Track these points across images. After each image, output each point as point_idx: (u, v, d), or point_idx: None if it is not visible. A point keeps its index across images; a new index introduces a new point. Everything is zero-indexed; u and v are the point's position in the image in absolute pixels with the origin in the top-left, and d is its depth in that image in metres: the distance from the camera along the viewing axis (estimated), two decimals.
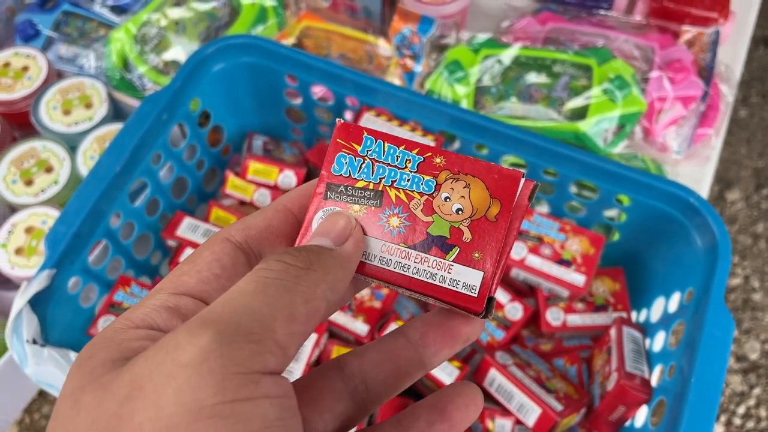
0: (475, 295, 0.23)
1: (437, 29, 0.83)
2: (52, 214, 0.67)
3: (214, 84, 0.67)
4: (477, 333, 0.25)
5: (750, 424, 1.42)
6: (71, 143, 0.72)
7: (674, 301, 0.58)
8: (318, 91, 0.70)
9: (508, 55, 0.80)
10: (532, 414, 0.55)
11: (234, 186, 0.68)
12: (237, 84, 0.68)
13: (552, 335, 0.64)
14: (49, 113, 0.73)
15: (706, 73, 0.82)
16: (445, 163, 0.24)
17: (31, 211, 0.67)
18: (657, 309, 0.61)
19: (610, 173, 0.58)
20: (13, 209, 0.70)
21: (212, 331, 0.17)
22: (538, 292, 0.64)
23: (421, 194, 0.24)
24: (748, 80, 1.88)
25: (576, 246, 0.62)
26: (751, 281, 1.59)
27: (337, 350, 0.59)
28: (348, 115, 0.70)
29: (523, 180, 0.24)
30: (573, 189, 0.64)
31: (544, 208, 0.69)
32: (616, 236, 0.67)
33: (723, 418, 1.42)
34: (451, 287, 0.23)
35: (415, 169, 0.24)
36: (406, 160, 0.25)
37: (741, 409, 1.43)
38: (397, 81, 0.81)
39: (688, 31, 0.83)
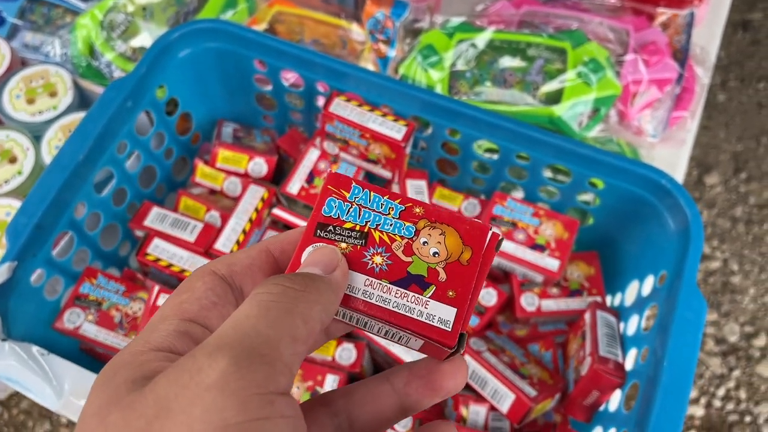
0: (449, 330, 0.25)
1: (411, 13, 0.82)
2: (16, 205, 0.65)
3: (181, 70, 0.65)
4: (459, 387, 0.26)
5: (730, 406, 1.44)
6: (35, 133, 0.70)
7: (647, 285, 0.58)
8: (290, 77, 0.69)
9: (482, 39, 0.79)
10: (505, 400, 0.55)
11: (203, 174, 0.67)
12: (205, 70, 0.67)
13: (527, 321, 0.63)
14: (12, 102, 0.71)
15: (681, 55, 0.81)
16: (424, 213, 0.27)
17: None
18: (631, 292, 0.61)
19: (582, 157, 0.58)
20: None
21: (229, 354, 0.19)
22: (513, 277, 0.63)
23: (402, 237, 0.27)
24: (726, 64, 1.88)
25: (550, 231, 0.62)
26: (730, 264, 1.61)
27: None
28: (320, 101, 0.68)
29: (491, 232, 0.27)
30: (547, 173, 0.64)
31: (518, 193, 0.69)
32: (590, 220, 0.66)
33: (703, 401, 1.44)
34: (427, 321, 0.25)
35: (397, 216, 0.27)
36: (390, 207, 0.27)
37: (721, 392, 1.45)
38: (370, 66, 0.80)
39: (663, 13, 0.83)
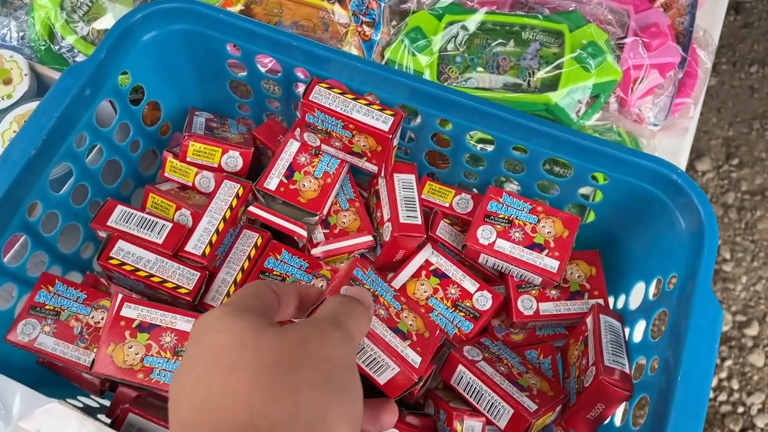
0: (417, 366, 0.42)
1: None
2: None
3: (146, 55, 0.59)
4: (391, 424, 0.40)
5: (722, 397, 1.41)
6: None
7: (655, 288, 0.53)
8: (267, 62, 0.63)
9: (473, 21, 0.74)
10: (503, 415, 0.51)
11: (173, 169, 0.61)
12: (172, 55, 0.61)
13: (524, 325, 0.59)
14: None
15: (684, 38, 0.77)
16: (406, 301, 0.47)
17: None
18: (636, 295, 0.57)
19: (585, 149, 0.53)
20: None
21: (340, 329, 0.34)
22: (509, 278, 0.59)
23: (394, 308, 0.45)
24: (718, 48, 1.84)
25: (549, 228, 0.57)
26: (722, 252, 1.58)
27: None
28: (299, 88, 0.63)
29: (438, 332, 0.47)
30: (545, 167, 0.59)
31: (512, 186, 0.64)
32: (590, 217, 0.62)
33: None
34: (405, 358, 0.42)
35: (392, 296, 0.46)
36: (388, 290, 0.46)
37: (713, 382, 1.42)
38: (354, 50, 0.74)
39: None
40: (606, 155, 0.53)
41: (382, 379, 0.41)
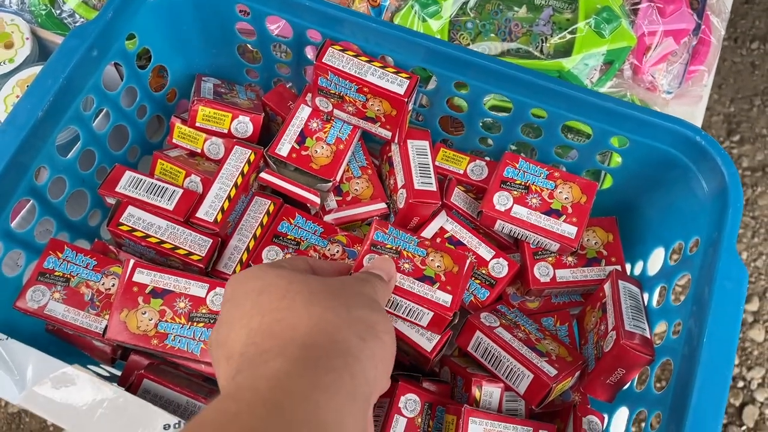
0: (448, 305, 0.48)
1: None
2: None
3: (153, 17, 0.58)
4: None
5: None
6: None
7: (676, 252, 0.53)
8: (275, 26, 0.61)
9: None
10: (523, 380, 0.50)
11: (181, 135, 0.60)
12: (180, 17, 0.60)
13: (540, 292, 0.58)
14: None
15: (698, 4, 0.75)
16: (431, 244, 0.50)
17: None
18: (655, 261, 0.56)
19: (606, 110, 0.52)
20: None
21: (370, 285, 0.41)
22: (525, 245, 0.58)
23: (419, 256, 0.49)
24: None
25: (566, 194, 0.56)
26: None
27: None
28: (310, 52, 0.62)
29: (468, 261, 0.50)
30: (562, 133, 0.58)
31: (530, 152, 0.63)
32: (607, 182, 0.61)
33: None
34: (436, 301, 0.48)
35: (416, 244, 0.50)
36: (410, 240, 0.50)
37: None
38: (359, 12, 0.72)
39: None
40: (627, 117, 0.52)
41: (423, 322, 0.49)
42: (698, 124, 0.77)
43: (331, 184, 0.58)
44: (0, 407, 1.32)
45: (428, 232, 0.58)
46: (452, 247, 0.57)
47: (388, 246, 0.49)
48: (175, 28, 0.60)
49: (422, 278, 0.48)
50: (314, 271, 0.41)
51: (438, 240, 0.58)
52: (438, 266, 0.49)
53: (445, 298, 0.48)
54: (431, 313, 0.48)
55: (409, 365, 0.56)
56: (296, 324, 0.33)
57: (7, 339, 0.43)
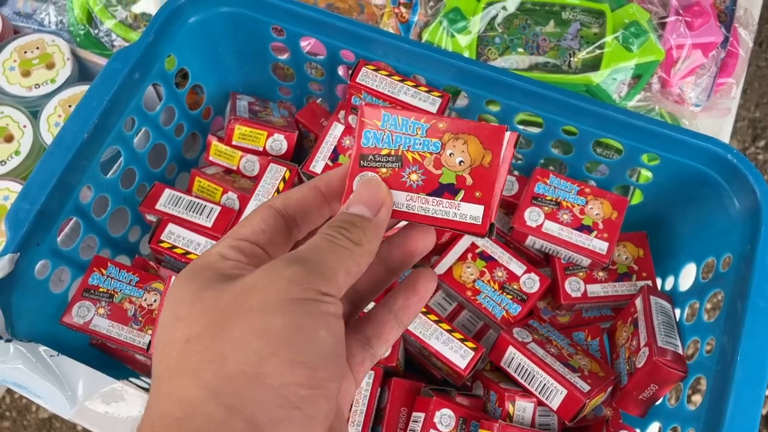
0: (479, 223, 0.31)
1: None
2: (15, 188, 0.60)
3: (191, 38, 0.59)
4: (429, 246, 0.34)
5: None
6: (32, 108, 0.64)
7: (708, 269, 0.53)
8: (306, 44, 0.63)
9: (513, 1, 0.73)
10: (556, 395, 0.51)
11: (218, 153, 0.61)
12: (216, 38, 0.61)
13: (571, 307, 0.59)
14: (6, 75, 0.66)
15: (726, 17, 0.76)
16: (447, 126, 0.31)
17: None
18: (686, 276, 0.56)
19: (638, 129, 0.53)
20: None
21: (301, 265, 0.27)
22: (556, 260, 0.59)
23: (431, 153, 0.31)
24: None
25: (597, 210, 0.57)
26: None
27: None
28: (341, 70, 0.63)
29: (508, 133, 0.31)
30: (592, 149, 0.59)
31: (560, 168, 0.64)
32: (637, 198, 0.61)
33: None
34: (461, 220, 0.31)
35: (425, 134, 0.31)
36: (417, 128, 0.31)
37: None
38: (391, 32, 0.74)
39: None
40: (659, 135, 0.52)
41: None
42: (727, 135, 0.78)
43: None
44: (31, 412, 1.34)
45: (460, 247, 0.59)
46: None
47: (385, 152, 0.32)
48: (211, 49, 0.62)
49: (439, 190, 0.32)
50: (295, 227, 0.31)
51: (469, 256, 0.59)
52: (460, 162, 0.32)
53: (473, 212, 0.31)
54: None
55: (441, 379, 0.57)
56: (151, 410, 0.26)
57: (58, 355, 0.45)
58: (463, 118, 0.32)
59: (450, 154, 0.31)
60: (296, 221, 0.30)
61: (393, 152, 0.31)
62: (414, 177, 0.31)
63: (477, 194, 0.31)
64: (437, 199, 0.31)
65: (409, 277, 0.33)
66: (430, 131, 0.31)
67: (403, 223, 0.33)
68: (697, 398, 0.48)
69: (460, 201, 0.31)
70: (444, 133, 0.31)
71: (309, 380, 0.25)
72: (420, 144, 0.31)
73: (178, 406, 0.25)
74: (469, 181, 0.31)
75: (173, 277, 0.51)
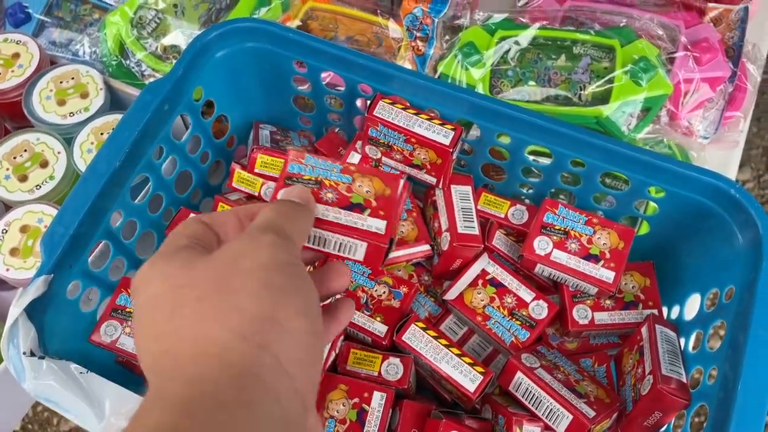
0: (383, 233, 0.41)
1: (450, 9, 0.78)
2: (49, 211, 0.63)
3: (218, 71, 0.62)
4: (344, 286, 0.40)
5: None
6: (66, 135, 0.68)
7: (711, 299, 0.55)
8: (326, 75, 0.66)
9: (525, 37, 0.76)
10: (562, 420, 0.52)
11: (240, 180, 0.64)
12: (241, 71, 0.64)
13: (579, 334, 0.61)
14: (42, 103, 0.69)
15: (734, 52, 0.78)
16: (356, 169, 0.43)
17: (26, 208, 0.63)
18: (691, 306, 0.58)
19: (643, 163, 0.55)
20: (6, 207, 0.66)
21: (272, 232, 0.33)
22: (564, 288, 0.61)
23: (344, 183, 0.42)
24: None
25: (604, 240, 0.59)
26: None
27: (353, 353, 0.56)
28: (360, 102, 0.66)
29: (402, 181, 0.43)
30: (600, 179, 0.61)
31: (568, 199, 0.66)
32: (644, 228, 0.63)
33: None
34: (368, 230, 0.40)
35: (339, 171, 0.43)
36: (332, 167, 0.43)
37: None
38: (408, 65, 0.77)
39: (715, 8, 0.79)
40: (664, 170, 0.54)
41: (358, 256, 0.41)
42: (735, 167, 0.79)
43: None
44: (52, 425, 1.37)
45: (471, 273, 0.61)
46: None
47: (306, 177, 0.41)
48: (236, 81, 0.65)
49: (350, 207, 0.40)
50: (241, 221, 0.37)
51: (480, 282, 0.61)
52: (367, 191, 0.42)
53: (378, 225, 0.40)
54: (365, 244, 0.41)
55: (451, 402, 0.59)
56: (180, 354, 0.28)
57: (87, 372, 0.48)
58: (368, 166, 0.45)
59: (359, 185, 0.42)
60: (218, 235, 0.36)
61: (313, 178, 0.42)
62: (330, 195, 0.41)
63: (381, 213, 0.41)
64: (349, 212, 0.40)
65: (332, 306, 0.40)
66: (343, 170, 0.42)
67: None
68: (700, 426, 0.49)
69: (368, 216, 0.41)
70: (353, 172, 0.42)
71: (312, 328, 0.31)
72: (335, 176, 0.42)
73: (213, 345, 0.28)
74: (374, 203, 0.41)
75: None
